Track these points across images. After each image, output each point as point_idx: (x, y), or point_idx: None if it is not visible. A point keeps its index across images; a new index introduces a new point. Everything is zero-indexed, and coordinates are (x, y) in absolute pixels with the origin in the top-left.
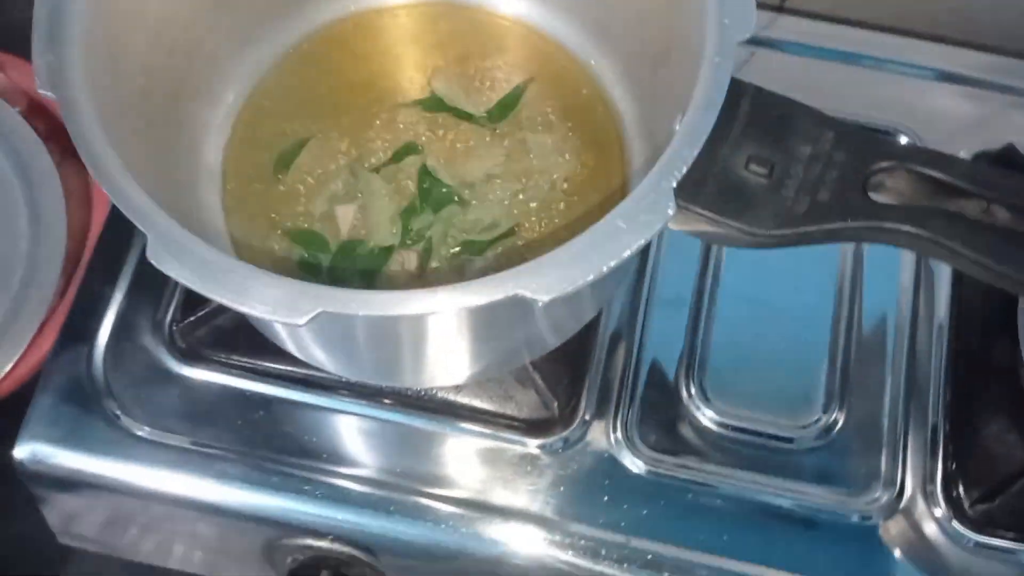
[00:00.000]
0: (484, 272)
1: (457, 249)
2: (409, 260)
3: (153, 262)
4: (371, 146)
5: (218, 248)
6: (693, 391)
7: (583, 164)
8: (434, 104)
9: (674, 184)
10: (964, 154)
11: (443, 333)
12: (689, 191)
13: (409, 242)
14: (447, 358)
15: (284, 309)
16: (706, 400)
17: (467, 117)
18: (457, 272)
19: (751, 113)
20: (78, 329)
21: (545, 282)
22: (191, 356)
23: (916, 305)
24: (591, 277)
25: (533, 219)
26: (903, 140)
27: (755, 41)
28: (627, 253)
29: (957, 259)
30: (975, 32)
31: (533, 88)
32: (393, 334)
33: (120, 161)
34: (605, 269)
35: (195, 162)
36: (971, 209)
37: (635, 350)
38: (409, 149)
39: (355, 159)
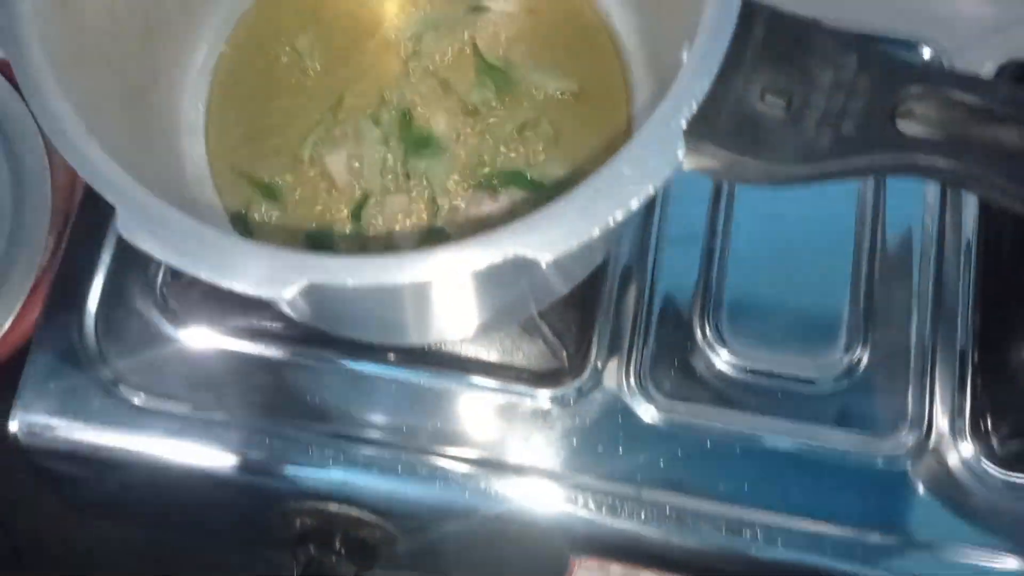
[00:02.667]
0: (496, 216)
1: (459, 190)
2: (413, 208)
3: (124, 235)
4: (360, 87)
5: (203, 205)
6: (708, 333)
7: (582, 101)
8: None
9: (684, 124)
10: (990, 64)
11: (442, 295)
12: (700, 129)
13: (407, 188)
14: (450, 316)
15: (267, 283)
16: (722, 342)
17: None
18: (467, 220)
19: (765, 38)
20: (66, 295)
21: (547, 239)
22: (185, 319)
23: (942, 231)
24: (596, 232)
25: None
26: (926, 52)
27: None
28: (634, 204)
29: (995, 192)
30: None
31: (529, 19)
32: (391, 299)
33: (81, 122)
34: (611, 223)
35: (175, 116)
36: (1008, 137)
37: (646, 292)
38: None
39: (342, 103)
